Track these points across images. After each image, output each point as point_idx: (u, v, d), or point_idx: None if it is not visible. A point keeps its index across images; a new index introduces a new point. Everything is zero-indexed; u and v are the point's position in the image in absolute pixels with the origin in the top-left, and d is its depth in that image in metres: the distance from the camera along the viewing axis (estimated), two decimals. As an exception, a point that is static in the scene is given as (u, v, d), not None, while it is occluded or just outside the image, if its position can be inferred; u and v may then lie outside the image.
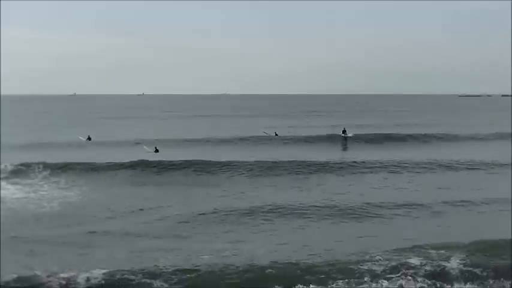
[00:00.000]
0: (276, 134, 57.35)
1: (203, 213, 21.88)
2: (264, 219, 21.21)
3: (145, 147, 43.94)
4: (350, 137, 52.73)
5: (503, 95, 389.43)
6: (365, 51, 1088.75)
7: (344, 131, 53.66)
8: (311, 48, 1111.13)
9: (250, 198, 25.59)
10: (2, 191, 26.84)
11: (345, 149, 46.69)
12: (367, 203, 23.59)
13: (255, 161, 34.68)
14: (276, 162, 34.47)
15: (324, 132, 56.72)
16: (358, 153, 41.34)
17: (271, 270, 14.74)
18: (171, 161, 34.68)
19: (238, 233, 19.48)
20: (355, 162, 35.26)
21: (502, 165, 34.76)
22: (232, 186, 29.45)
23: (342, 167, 33.99)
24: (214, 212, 22.05)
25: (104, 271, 14.29)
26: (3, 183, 28.86)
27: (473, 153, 41.06)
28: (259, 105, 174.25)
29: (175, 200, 25.70)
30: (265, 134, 56.28)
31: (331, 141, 50.91)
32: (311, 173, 32.70)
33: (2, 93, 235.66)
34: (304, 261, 15.51)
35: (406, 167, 34.33)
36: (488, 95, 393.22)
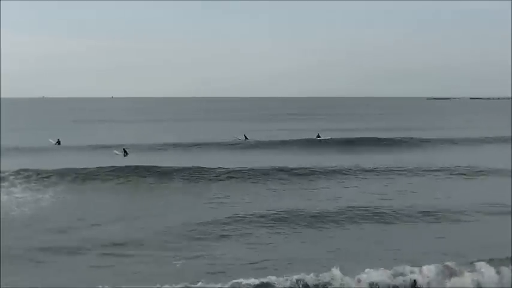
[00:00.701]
0: (246, 138, 56.71)
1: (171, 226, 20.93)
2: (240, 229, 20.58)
3: (115, 150, 43.53)
4: (325, 140, 52.81)
5: (471, 98, 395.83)
6: (346, 51, 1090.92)
7: (318, 136, 53.67)
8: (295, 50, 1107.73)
9: (220, 207, 24.97)
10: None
11: (318, 153, 46.40)
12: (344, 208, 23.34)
13: (223, 167, 33.87)
14: (243, 168, 33.66)
15: (299, 136, 56.25)
16: (330, 158, 41.06)
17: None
18: (137, 166, 33.61)
19: (212, 246, 18.64)
20: (327, 166, 34.73)
21: (477, 172, 34.50)
22: (205, 193, 28.70)
23: (314, 172, 33.38)
24: (184, 224, 21.14)
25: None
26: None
27: (447, 158, 41.17)
28: (237, 107, 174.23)
29: (143, 209, 25.14)
30: (237, 139, 55.53)
31: (305, 145, 50.40)
32: (281, 178, 32.00)
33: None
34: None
35: (378, 171, 34.01)
36: (457, 98, 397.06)
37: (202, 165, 33.75)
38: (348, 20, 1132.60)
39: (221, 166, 33.76)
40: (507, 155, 42.57)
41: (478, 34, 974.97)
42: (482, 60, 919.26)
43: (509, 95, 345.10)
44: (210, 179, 31.47)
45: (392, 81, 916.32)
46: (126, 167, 33.42)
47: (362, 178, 32.28)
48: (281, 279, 14.26)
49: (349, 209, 23.24)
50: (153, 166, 33.30)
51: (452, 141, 53.81)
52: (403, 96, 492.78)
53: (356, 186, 30.07)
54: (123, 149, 43.57)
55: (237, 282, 14.05)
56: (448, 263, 15.22)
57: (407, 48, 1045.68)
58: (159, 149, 47.75)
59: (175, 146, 49.50)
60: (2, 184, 28.65)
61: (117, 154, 42.78)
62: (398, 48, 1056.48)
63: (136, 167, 33.22)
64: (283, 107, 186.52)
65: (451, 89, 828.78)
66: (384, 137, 54.91)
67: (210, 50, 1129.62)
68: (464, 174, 33.66)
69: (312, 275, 14.45)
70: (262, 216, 22.00)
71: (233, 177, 31.78)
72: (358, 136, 55.56)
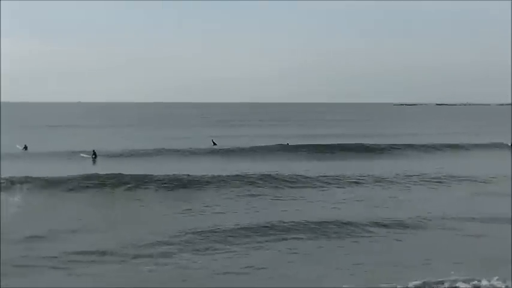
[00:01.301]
0: (214, 144, 56.30)
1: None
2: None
3: (82, 154, 43.28)
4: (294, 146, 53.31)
5: (437, 104, 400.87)
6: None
7: (288, 144, 54.17)
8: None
9: (190, 216, 24.67)
10: None
11: (288, 159, 46.34)
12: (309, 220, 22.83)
13: (192, 174, 33.29)
14: (214, 175, 33.20)
15: (268, 142, 56.23)
16: (300, 164, 41.17)
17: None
18: (99, 174, 32.88)
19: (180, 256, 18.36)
20: (295, 174, 34.46)
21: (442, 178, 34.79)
22: (175, 201, 28.40)
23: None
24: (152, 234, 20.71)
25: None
26: None
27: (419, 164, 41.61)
28: (208, 112, 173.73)
29: (111, 217, 24.86)
30: (214, 145, 55.23)
31: (274, 152, 50.19)
32: (249, 183, 31.79)
33: None
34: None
35: (345, 180, 33.77)
36: (424, 104, 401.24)
37: (172, 173, 33.37)
38: (316, 25, 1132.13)
39: (190, 174, 33.33)
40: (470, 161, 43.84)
41: (449, 38, 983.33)
42: (450, 63, 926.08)
43: (475, 101, 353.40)
44: (181, 187, 31.10)
45: (359, 86, 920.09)
46: (94, 174, 32.88)
47: (332, 186, 32.07)
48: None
49: (314, 220, 22.74)
50: (120, 174, 32.60)
51: (422, 148, 54.18)
52: (372, 102, 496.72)
53: (323, 196, 29.65)
54: (93, 151, 43.35)
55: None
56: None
57: (377, 53, 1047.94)
58: (126, 155, 47.08)
59: (143, 152, 48.79)
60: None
61: (84, 157, 42.56)
62: (368, 53, 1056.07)
63: (107, 174, 32.59)
64: (251, 113, 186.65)
65: (418, 95, 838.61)
66: (352, 143, 55.28)
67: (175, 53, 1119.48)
68: (430, 181, 33.70)
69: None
70: (235, 227, 21.64)
71: (208, 185, 31.41)
72: (328, 143, 55.51)
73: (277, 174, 33.89)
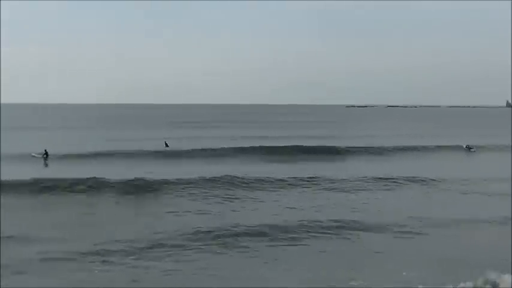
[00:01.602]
0: (167, 145, 55.86)
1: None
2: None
3: (33, 153, 42.56)
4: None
5: (388, 106, 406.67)
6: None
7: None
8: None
9: (148, 220, 24.48)
10: None
11: (241, 161, 46.08)
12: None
13: (150, 178, 32.99)
14: (169, 179, 32.92)
15: (219, 144, 56.06)
16: (254, 167, 41.04)
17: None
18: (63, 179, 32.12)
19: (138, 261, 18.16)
20: (249, 176, 34.30)
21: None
22: (130, 205, 28.21)
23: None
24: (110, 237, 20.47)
25: None
26: None
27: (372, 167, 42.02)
28: (157, 114, 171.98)
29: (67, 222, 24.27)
30: (166, 147, 54.61)
31: (225, 154, 49.95)
32: (206, 188, 31.38)
33: None
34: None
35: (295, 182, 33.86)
36: (374, 106, 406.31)
37: (125, 176, 33.10)
38: (276, 26, 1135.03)
39: (144, 177, 33.05)
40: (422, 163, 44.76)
41: (400, 41, 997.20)
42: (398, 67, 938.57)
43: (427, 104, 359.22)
44: (135, 190, 30.68)
45: (312, 89, 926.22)
46: (45, 178, 32.31)
47: (285, 189, 32.25)
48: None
49: (267, 223, 22.79)
50: (78, 178, 32.11)
51: (377, 150, 54.83)
52: (324, 104, 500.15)
53: (276, 198, 29.66)
54: (45, 150, 42.70)
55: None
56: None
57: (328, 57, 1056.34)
58: (78, 157, 46.19)
59: (96, 154, 47.81)
60: None
61: (35, 157, 41.92)
62: (318, 57, 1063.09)
63: (59, 178, 32.03)
64: (206, 114, 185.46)
65: (369, 96, 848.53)
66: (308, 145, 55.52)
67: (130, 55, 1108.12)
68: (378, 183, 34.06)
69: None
70: (193, 232, 21.43)
71: (164, 188, 31.18)
72: (282, 145, 55.61)
73: (230, 176, 33.75)
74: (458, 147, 57.72)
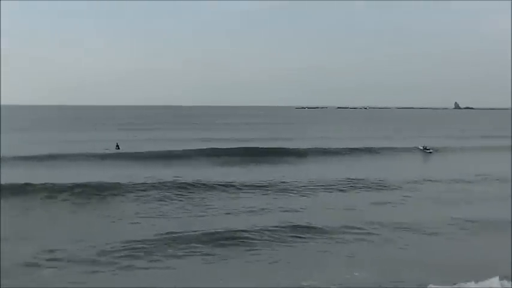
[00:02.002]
0: (118, 147, 54.53)
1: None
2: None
3: None
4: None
5: (338, 107, 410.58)
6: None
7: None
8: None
9: (105, 226, 23.67)
10: None
11: (192, 164, 44.66)
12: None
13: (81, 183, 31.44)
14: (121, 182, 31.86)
15: (166, 147, 54.86)
16: (205, 170, 40.27)
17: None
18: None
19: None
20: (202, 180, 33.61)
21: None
22: (81, 210, 27.11)
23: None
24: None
25: None
26: None
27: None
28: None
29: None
30: (106, 150, 53.10)
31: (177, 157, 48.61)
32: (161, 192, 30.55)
33: None
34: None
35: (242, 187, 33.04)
36: (325, 107, 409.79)
37: (79, 180, 31.87)
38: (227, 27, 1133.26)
39: (98, 180, 32.00)
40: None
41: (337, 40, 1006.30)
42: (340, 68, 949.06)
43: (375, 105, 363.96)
44: (89, 195, 29.48)
45: (262, 90, 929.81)
46: None
47: (236, 192, 31.50)
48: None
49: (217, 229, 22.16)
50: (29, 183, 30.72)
51: (330, 152, 54.27)
52: (273, 105, 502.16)
53: (226, 202, 28.89)
54: None
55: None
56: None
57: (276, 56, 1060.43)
58: (26, 160, 44.04)
59: (44, 157, 45.69)
60: None
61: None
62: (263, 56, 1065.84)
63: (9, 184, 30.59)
64: (142, 116, 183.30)
65: (321, 97, 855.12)
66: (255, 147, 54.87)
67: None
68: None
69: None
70: (141, 239, 20.67)
71: (117, 193, 30.06)
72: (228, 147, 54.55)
73: (182, 179, 33.29)
74: (414, 149, 57.35)
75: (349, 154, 53.61)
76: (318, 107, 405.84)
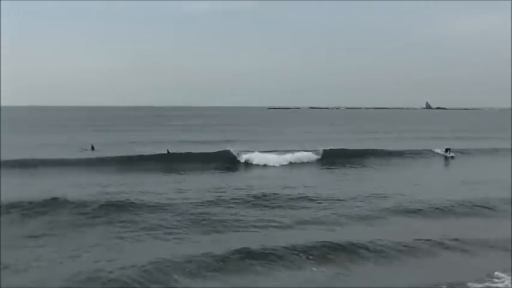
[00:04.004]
0: (93, 148, 52.62)
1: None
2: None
3: None
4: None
5: (311, 107, 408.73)
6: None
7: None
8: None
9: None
10: None
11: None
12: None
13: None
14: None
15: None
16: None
17: None
18: None
19: None
20: None
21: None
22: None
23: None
24: None
25: None
26: None
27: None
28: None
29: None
30: (81, 149, 51.11)
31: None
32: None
33: None
34: None
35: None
36: (297, 108, 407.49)
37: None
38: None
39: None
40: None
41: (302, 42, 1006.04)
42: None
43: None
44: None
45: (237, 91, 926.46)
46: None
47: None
48: None
49: None
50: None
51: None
52: (244, 106, 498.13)
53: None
54: None
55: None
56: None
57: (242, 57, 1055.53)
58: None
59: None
60: None
61: None
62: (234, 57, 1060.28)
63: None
64: (104, 117, 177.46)
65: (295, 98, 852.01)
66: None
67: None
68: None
69: None
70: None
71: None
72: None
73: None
74: (428, 152, 52.17)
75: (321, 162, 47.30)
76: (290, 108, 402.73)
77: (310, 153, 47.50)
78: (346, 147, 52.52)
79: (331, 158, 45.90)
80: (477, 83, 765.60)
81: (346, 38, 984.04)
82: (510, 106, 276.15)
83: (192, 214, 23.73)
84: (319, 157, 46.77)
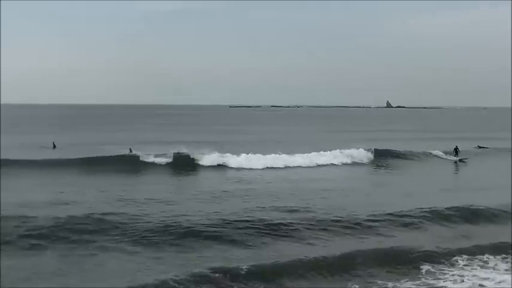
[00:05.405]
0: (54, 146, 51.23)
1: None
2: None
3: None
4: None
5: (272, 106, 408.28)
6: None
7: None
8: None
9: None
10: None
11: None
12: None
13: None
14: None
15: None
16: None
17: None
18: None
19: None
20: None
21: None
22: None
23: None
24: None
25: None
26: None
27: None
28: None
29: None
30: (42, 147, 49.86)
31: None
32: None
33: None
34: None
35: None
36: (259, 106, 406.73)
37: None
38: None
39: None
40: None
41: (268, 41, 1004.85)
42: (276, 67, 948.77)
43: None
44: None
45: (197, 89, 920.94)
46: None
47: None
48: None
49: None
50: None
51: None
52: (206, 104, 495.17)
53: None
54: None
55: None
56: None
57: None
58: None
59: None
60: None
61: None
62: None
63: None
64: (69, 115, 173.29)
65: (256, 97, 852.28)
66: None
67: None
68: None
69: None
70: None
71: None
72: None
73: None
74: (427, 154, 50.84)
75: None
76: (251, 106, 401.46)
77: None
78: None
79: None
80: (437, 82, 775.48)
81: (308, 38, 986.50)
82: (467, 105, 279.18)
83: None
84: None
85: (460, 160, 47.30)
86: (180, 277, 15.34)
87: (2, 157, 39.61)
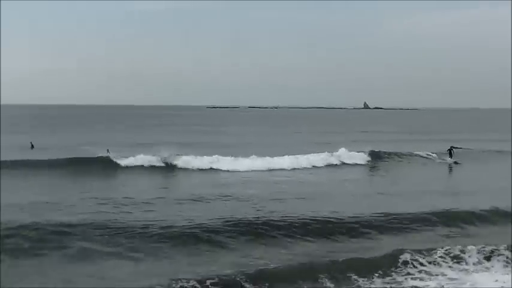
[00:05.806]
0: (32, 146, 50.26)
1: None
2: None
3: None
4: None
5: (249, 107, 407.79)
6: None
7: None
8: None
9: None
10: None
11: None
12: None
13: None
14: None
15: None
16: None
17: None
18: None
19: None
20: None
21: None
22: None
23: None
24: None
25: None
26: None
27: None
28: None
29: None
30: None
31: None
32: None
33: None
34: None
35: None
36: (236, 107, 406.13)
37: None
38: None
39: None
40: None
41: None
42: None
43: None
44: None
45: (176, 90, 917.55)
46: None
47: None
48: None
49: None
50: None
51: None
52: (185, 104, 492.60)
53: None
54: None
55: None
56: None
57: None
58: None
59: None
60: None
61: None
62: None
63: None
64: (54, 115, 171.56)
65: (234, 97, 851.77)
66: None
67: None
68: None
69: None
70: None
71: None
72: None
73: None
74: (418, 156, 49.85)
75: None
76: (229, 107, 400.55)
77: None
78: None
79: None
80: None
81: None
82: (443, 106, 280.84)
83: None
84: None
85: (455, 162, 46.69)
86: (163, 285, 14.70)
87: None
